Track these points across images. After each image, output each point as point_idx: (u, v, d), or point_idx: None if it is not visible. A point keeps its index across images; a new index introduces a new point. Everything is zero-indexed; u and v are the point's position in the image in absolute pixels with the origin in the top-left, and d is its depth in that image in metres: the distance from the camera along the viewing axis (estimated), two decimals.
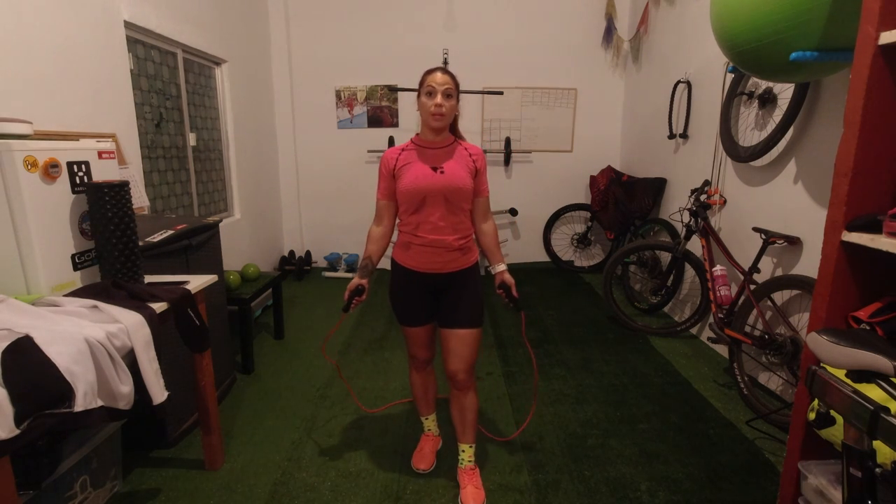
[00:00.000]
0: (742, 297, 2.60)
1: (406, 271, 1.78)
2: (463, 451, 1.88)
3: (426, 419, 2.07)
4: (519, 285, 4.48)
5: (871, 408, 1.04)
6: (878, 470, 1.07)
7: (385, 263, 3.93)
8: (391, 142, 4.62)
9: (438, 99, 1.62)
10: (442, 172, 1.68)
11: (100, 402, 1.25)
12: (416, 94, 1.74)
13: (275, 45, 4.55)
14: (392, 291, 1.85)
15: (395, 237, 1.84)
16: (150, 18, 2.74)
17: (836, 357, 1.12)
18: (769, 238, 2.43)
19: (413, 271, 1.76)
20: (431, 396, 2.03)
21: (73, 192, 1.58)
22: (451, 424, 1.92)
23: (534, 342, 3.20)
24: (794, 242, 2.40)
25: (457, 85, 1.68)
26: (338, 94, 4.75)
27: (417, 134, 1.77)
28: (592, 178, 4.74)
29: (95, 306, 1.41)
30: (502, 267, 1.85)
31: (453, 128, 1.78)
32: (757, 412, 2.31)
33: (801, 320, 2.35)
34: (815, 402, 1.36)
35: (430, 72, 1.67)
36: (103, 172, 1.68)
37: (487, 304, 3.89)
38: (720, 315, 2.68)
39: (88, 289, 1.55)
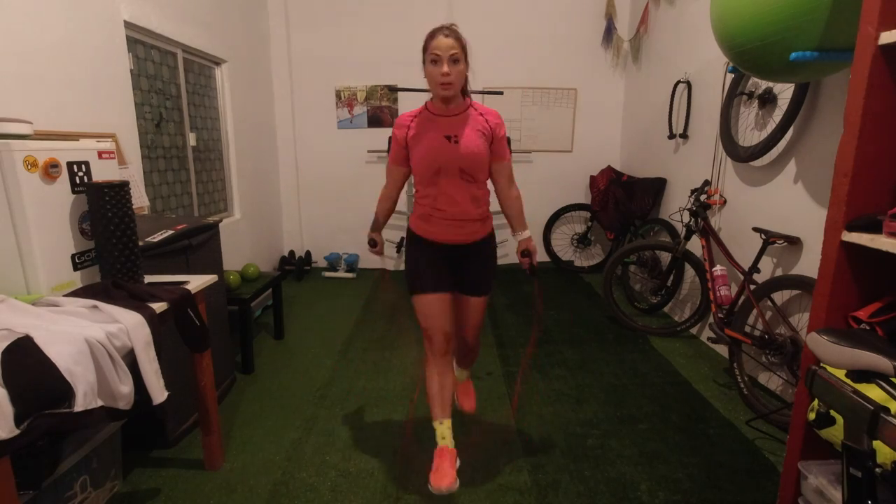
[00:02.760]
0: (742, 297, 2.60)
1: (424, 242, 1.76)
2: (460, 371, 2.15)
3: (440, 424, 1.75)
4: (519, 285, 4.50)
5: (871, 408, 1.04)
6: (878, 470, 1.07)
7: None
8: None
9: (445, 67, 1.52)
10: (456, 142, 1.61)
11: (100, 402, 1.25)
12: (420, 64, 1.64)
13: (275, 45, 4.55)
14: (409, 260, 1.79)
15: (407, 206, 1.89)
16: (150, 18, 2.74)
17: (836, 357, 1.12)
18: (769, 238, 2.43)
19: (433, 242, 1.74)
20: (448, 394, 1.78)
21: (73, 192, 1.58)
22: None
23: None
24: (794, 242, 2.40)
25: (463, 46, 1.57)
26: (338, 94, 4.75)
27: (431, 100, 1.69)
28: (592, 178, 4.74)
29: (95, 306, 1.41)
30: (527, 234, 1.85)
31: (464, 89, 1.68)
32: (757, 412, 2.31)
33: (801, 320, 2.35)
34: (815, 402, 1.36)
35: (432, 35, 1.55)
36: (103, 172, 1.68)
37: (489, 306, 3.89)
38: (720, 315, 2.68)
39: (88, 289, 1.55)
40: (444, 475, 1.65)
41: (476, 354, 2.11)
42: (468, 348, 2.02)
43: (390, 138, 1.79)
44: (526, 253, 1.82)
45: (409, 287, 1.78)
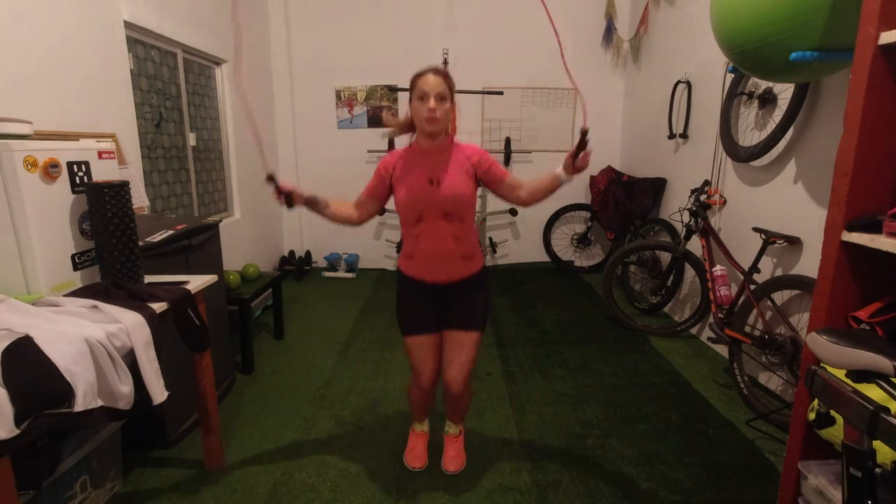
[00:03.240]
0: (742, 297, 2.60)
1: (412, 281, 1.77)
2: (450, 425, 2.04)
3: (419, 423, 2.08)
4: (519, 285, 4.50)
5: (871, 408, 1.04)
6: (878, 470, 1.07)
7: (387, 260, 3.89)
8: (391, 143, 4.62)
9: (431, 103, 1.55)
10: (438, 185, 1.63)
11: (100, 402, 1.25)
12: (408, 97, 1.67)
13: (275, 45, 4.55)
14: (399, 300, 1.83)
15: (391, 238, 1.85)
16: (150, 18, 2.74)
17: (836, 357, 1.12)
18: (769, 238, 2.43)
19: (418, 281, 1.75)
20: (429, 408, 2.05)
21: (73, 192, 1.58)
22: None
23: (534, 342, 3.20)
24: (794, 242, 2.40)
25: (451, 86, 1.61)
26: (338, 94, 4.75)
27: (415, 140, 1.72)
28: (592, 178, 4.74)
29: (95, 306, 1.41)
30: (559, 169, 1.65)
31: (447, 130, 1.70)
32: (757, 412, 2.31)
33: (801, 320, 2.35)
34: (815, 402, 1.36)
35: (420, 74, 1.59)
36: (103, 172, 1.68)
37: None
38: (720, 315, 2.68)
39: (88, 289, 1.55)
40: (417, 457, 2.00)
41: (465, 404, 1.96)
42: (454, 395, 1.85)
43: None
44: (583, 143, 1.54)
45: (400, 327, 1.83)
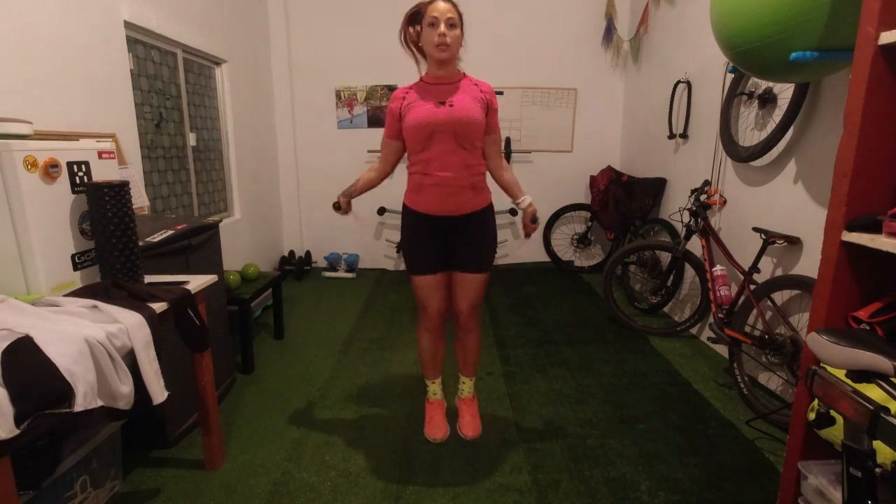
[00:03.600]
0: (742, 297, 2.60)
1: (419, 216, 1.74)
2: (463, 382, 2.00)
3: (432, 383, 2.03)
4: (519, 285, 4.50)
5: (871, 408, 1.04)
6: (878, 470, 1.07)
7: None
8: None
9: (442, 28, 1.54)
10: (451, 106, 1.61)
11: (100, 402, 1.25)
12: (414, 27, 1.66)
13: (275, 45, 4.55)
14: (404, 238, 1.81)
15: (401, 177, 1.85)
16: (150, 18, 2.74)
17: (836, 357, 1.12)
18: (769, 238, 2.43)
19: (426, 215, 1.72)
20: (440, 359, 2.01)
21: (73, 192, 1.58)
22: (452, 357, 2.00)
23: (534, 342, 3.20)
24: (794, 242, 2.40)
25: (460, 14, 1.60)
26: (338, 94, 4.75)
27: (427, 72, 1.70)
28: (592, 178, 4.74)
29: (95, 306, 1.41)
30: (529, 198, 1.83)
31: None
32: (757, 412, 2.31)
33: (801, 320, 2.35)
34: (815, 402, 1.36)
35: (429, 1, 1.58)
36: (103, 172, 1.68)
37: (489, 305, 3.89)
38: (720, 315, 2.68)
39: (88, 289, 1.55)
40: (437, 427, 1.99)
41: (476, 346, 1.97)
42: (462, 328, 1.90)
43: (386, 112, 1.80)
44: (534, 219, 1.82)
45: (406, 265, 1.83)
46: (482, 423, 2.25)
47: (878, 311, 1.33)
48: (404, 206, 1.80)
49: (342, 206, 1.86)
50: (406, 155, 1.79)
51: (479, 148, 1.71)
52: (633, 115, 4.62)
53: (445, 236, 1.75)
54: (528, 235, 1.86)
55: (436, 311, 1.85)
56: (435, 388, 2.04)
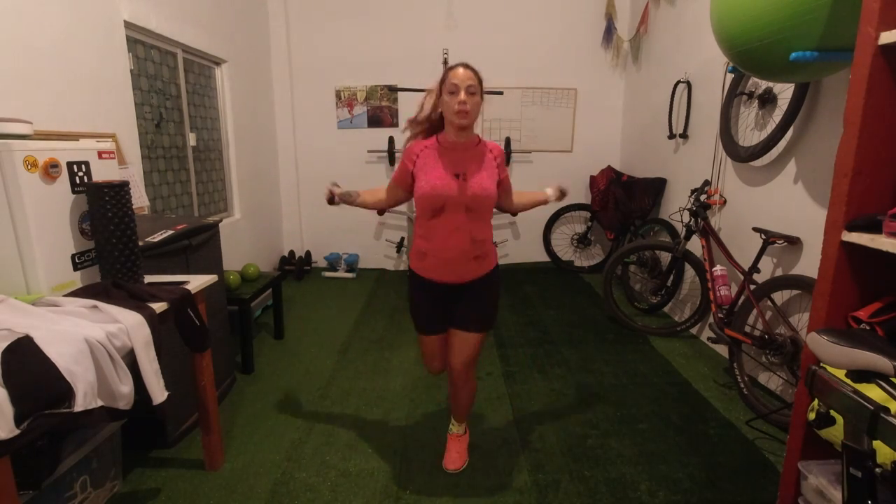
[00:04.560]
0: (742, 297, 2.60)
1: (423, 281, 1.77)
2: (454, 424, 2.03)
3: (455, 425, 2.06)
4: (519, 285, 4.50)
5: (871, 408, 1.04)
6: (878, 470, 1.07)
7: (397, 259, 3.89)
8: (391, 142, 4.62)
9: (462, 96, 1.54)
10: (464, 179, 1.63)
11: (100, 402, 1.25)
12: (437, 93, 1.67)
13: (275, 45, 4.55)
14: (411, 300, 1.86)
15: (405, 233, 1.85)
16: (150, 18, 2.74)
17: (836, 357, 1.12)
18: (769, 238, 2.43)
19: (430, 281, 1.75)
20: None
21: (73, 192, 1.58)
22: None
23: (534, 342, 3.20)
24: (794, 242, 2.40)
25: (480, 81, 1.61)
26: (338, 94, 4.75)
27: (443, 132, 1.70)
28: (592, 178, 4.74)
29: (95, 306, 1.41)
30: (549, 190, 1.91)
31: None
32: (757, 412, 2.31)
33: (801, 320, 2.35)
34: (815, 402, 1.36)
35: (451, 68, 1.60)
36: (103, 172, 1.68)
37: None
38: (720, 315, 2.68)
39: (88, 289, 1.55)
40: (452, 459, 1.98)
41: (469, 397, 1.94)
42: (457, 382, 1.87)
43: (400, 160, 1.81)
44: (563, 193, 1.92)
45: (413, 322, 1.90)
46: (482, 424, 2.26)
47: (878, 311, 1.33)
48: (410, 269, 1.84)
49: (335, 199, 1.76)
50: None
51: (488, 218, 1.75)
52: (633, 115, 4.62)
53: (448, 299, 1.79)
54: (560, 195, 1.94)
55: (438, 367, 1.92)
56: (459, 426, 2.07)
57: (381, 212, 4.63)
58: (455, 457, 1.98)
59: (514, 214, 1.97)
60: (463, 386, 1.89)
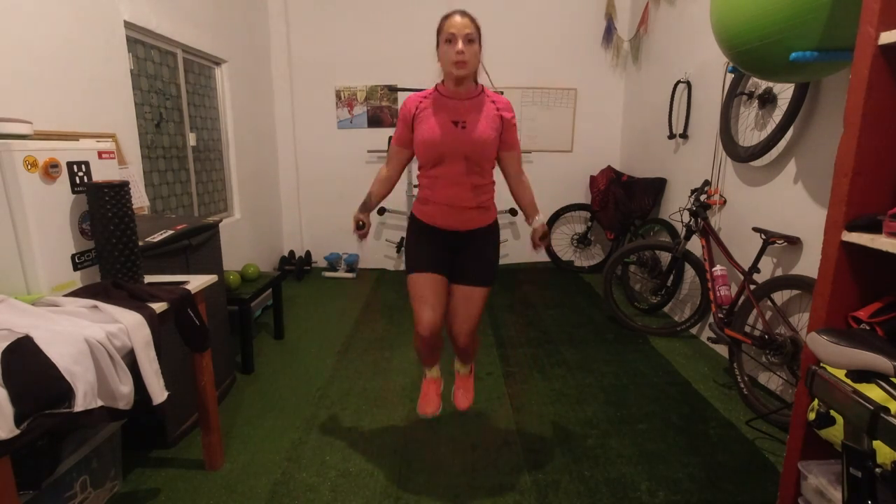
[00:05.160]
0: (742, 297, 2.60)
1: (424, 225, 1.75)
2: (459, 365, 2.03)
3: (429, 369, 2.00)
4: (519, 285, 4.50)
5: (871, 408, 1.04)
6: (878, 470, 1.07)
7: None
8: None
9: (460, 45, 1.50)
10: (463, 127, 1.59)
11: (100, 402, 1.25)
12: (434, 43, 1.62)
13: (275, 45, 4.55)
14: (408, 240, 1.81)
15: (414, 191, 1.83)
16: (150, 18, 2.74)
17: (836, 357, 1.12)
18: (769, 238, 2.43)
19: (432, 226, 1.73)
20: (438, 354, 1.96)
21: (73, 192, 1.58)
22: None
23: (534, 342, 3.20)
24: (794, 242, 2.40)
25: (478, 28, 1.56)
26: (338, 94, 4.75)
27: (442, 82, 1.66)
28: (592, 178, 4.74)
29: (95, 306, 1.41)
30: (542, 219, 1.77)
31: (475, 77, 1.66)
32: (757, 412, 2.31)
33: (801, 320, 2.35)
34: (815, 402, 1.36)
35: (447, 16, 1.55)
36: (103, 172, 1.68)
37: (489, 306, 3.89)
38: (720, 315, 2.68)
39: (88, 289, 1.55)
40: (430, 402, 1.94)
41: (474, 350, 1.94)
42: (461, 347, 1.86)
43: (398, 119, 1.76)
44: (544, 236, 1.77)
45: (406, 267, 1.78)
46: (482, 423, 2.26)
47: (878, 311, 1.33)
48: (412, 214, 1.80)
49: (365, 224, 1.84)
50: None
51: (489, 169, 1.71)
52: (633, 115, 4.62)
53: (449, 247, 1.75)
54: (536, 248, 1.84)
55: (429, 319, 1.70)
56: (432, 372, 2.02)
57: (381, 211, 4.66)
58: (463, 393, 1.97)
59: (512, 194, 1.88)
60: (468, 347, 1.86)
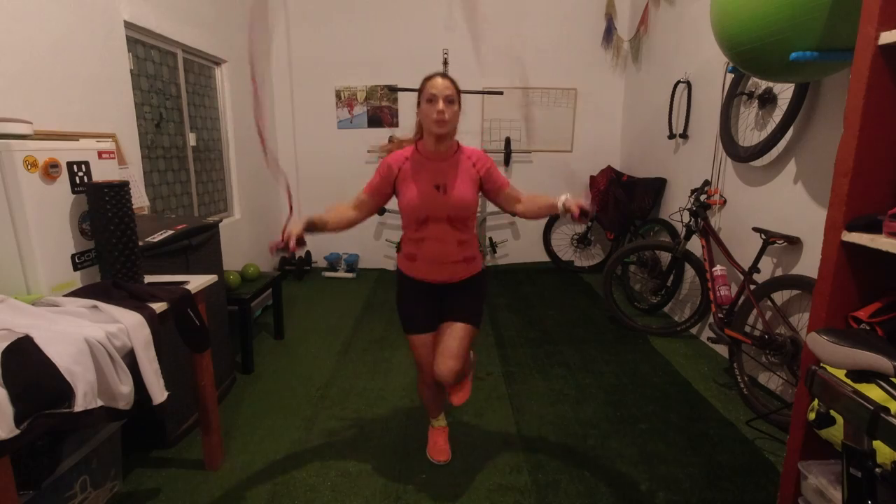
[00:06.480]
0: (742, 297, 2.60)
1: (412, 281, 1.80)
2: (440, 418, 2.08)
3: (435, 420, 2.08)
4: (519, 285, 4.49)
5: (871, 408, 1.04)
6: (878, 470, 1.07)
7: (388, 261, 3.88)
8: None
9: (440, 105, 1.58)
10: (444, 192, 1.67)
11: (100, 402, 1.25)
12: (416, 101, 1.69)
13: (275, 45, 4.55)
14: (399, 300, 1.87)
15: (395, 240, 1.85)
16: (150, 18, 2.74)
17: (836, 357, 1.12)
18: (769, 238, 2.43)
19: (421, 281, 1.78)
20: (441, 401, 2.05)
21: (73, 192, 1.58)
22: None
23: (534, 342, 3.20)
24: (794, 242, 2.40)
25: (458, 90, 1.64)
26: (338, 94, 4.75)
27: (421, 140, 1.72)
28: (592, 178, 4.74)
29: (95, 306, 1.41)
30: (564, 196, 1.59)
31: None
32: (757, 412, 2.31)
33: (801, 320, 2.35)
34: (815, 402, 1.36)
35: (429, 78, 1.63)
36: (103, 172, 1.68)
37: (488, 304, 3.89)
38: (720, 315, 2.68)
39: (88, 289, 1.55)
40: (441, 451, 2.01)
41: (464, 375, 1.90)
42: (448, 386, 1.83)
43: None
44: (583, 213, 1.56)
45: (402, 325, 1.87)
46: (482, 424, 2.26)
47: (878, 311, 1.33)
48: (399, 270, 1.86)
49: (303, 244, 1.56)
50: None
51: (472, 225, 1.78)
52: (633, 115, 4.62)
53: (438, 297, 1.82)
54: (580, 218, 1.58)
55: (431, 367, 1.82)
56: (437, 422, 2.09)
57: (381, 211, 4.66)
58: (458, 389, 1.91)
59: (525, 218, 1.88)
60: (458, 388, 1.89)
